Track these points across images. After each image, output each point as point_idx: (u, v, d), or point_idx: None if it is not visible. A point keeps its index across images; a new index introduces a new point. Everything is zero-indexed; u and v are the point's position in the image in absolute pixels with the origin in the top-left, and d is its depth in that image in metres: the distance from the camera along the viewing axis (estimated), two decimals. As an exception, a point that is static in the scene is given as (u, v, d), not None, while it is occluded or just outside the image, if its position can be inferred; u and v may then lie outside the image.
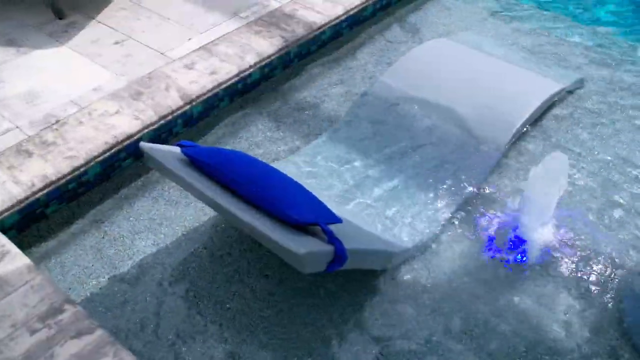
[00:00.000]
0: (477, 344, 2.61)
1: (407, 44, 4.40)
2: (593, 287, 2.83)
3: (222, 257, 2.95)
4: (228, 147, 3.55)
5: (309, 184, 3.06)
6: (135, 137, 3.29)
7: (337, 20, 4.33)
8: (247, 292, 2.81)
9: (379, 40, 4.48)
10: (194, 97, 3.53)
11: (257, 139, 3.60)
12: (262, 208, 2.34)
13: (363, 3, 4.48)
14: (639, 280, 2.85)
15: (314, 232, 2.32)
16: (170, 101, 3.47)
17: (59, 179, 3.03)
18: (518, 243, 2.98)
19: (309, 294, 2.79)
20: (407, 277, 2.85)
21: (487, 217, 3.13)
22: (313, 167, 3.32)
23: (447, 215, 3.11)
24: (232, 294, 2.80)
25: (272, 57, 3.93)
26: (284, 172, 2.64)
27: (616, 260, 2.95)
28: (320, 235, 2.29)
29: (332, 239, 2.23)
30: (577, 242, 3.01)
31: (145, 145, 2.60)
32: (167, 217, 3.14)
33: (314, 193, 2.57)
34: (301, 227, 2.29)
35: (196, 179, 2.44)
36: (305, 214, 2.27)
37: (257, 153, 3.49)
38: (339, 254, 2.21)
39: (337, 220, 2.36)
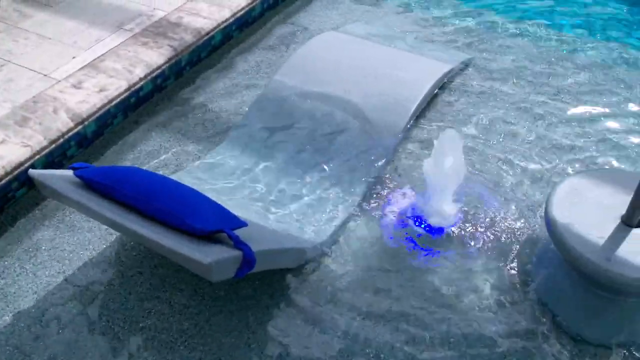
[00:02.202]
0: (395, 325, 2.67)
1: (298, 41, 4.42)
2: (500, 254, 2.96)
3: (132, 277, 2.88)
4: (127, 163, 3.46)
5: (212, 191, 3.04)
6: (26, 165, 3.14)
7: (226, 24, 4.29)
8: (162, 308, 2.75)
9: (270, 39, 4.48)
10: (85, 117, 3.42)
11: (156, 152, 3.52)
12: (164, 221, 2.29)
13: (250, 4, 4.47)
14: (541, 242, 2.99)
15: (219, 239, 2.29)
16: (60, 124, 3.34)
17: (-54, 219, 2.86)
18: (425, 223, 3.07)
19: (225, 302, 2.76)
20: (320, 271, 2.88)
21: (393, 201, 3.20)
22: (215, 173, 3.29)
23: (354, 204, 3.16)
24: (148, 312, 2.73)
25: (163, 67, 3.86)
26: (186, 182, 2.61)
27: (518, 225, 3.09)
28: (227, 242, 2.27)
29: (238, 244, 2.22)
30: (481, 214, 3.13)
31: (34, 172, 2.49)
32: (71, 243, 3.03)
33: (218, 199, 2.55)
34: (206, 236, 2.26)
35: (92, 201, 2.36)
36: (208, 222, 2.25)
37: (157, 166, 3.42)
38: (247, 258, 2.20)
39: (242, 224, 2.35)
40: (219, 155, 3.43)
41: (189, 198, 2.36)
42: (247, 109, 3.76)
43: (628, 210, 2.53)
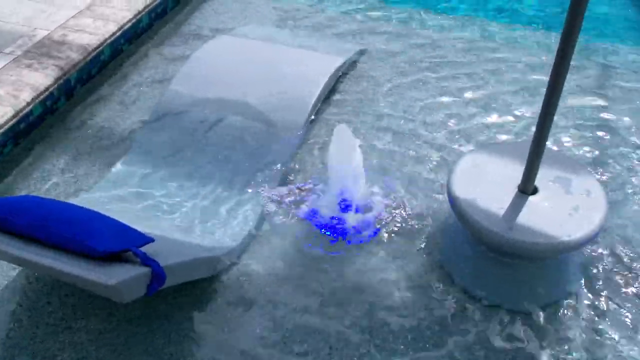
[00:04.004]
0: (317, 318, 2.70)
1: (191, 48, 4.35)
2: (409, 236, 3.05)
3: (42, 309, 2.75)
4: (24, 192, 3.30)
5: (115, 211, 2.94)
6: None
7: (113, 38, 4.17)
8: (77, 337, 2.64)
9: (162, 49, 4.40)
10: (-30, 149, 3.24)
11: (53, 178, 3.38)
12: (66, 248, 2.21)
13: (136, 15, 4.37)
14: (446, 219, 3.08)
15: (127, 258, 2.23)
16: (-56, 159, 3.16)
17: None
18: (336, 217, 3.10)
19: (143, 321, 2.69)
20: (237, 275, 2.86)
21: (301, 198, 3.22)
22: (116, 192, 3.19)
23: (263, 206, 3.15)
24: (62, 344, 2.62)
25: (51, 89, 3.70)
26: (86, 204, 2.52)
27: (424, 206, 3.18)
28: (134, 260, 2.21)
29: (146, 261, 2.17)
30: (390, 203, 3.20)
31: None
32: (-30, 284, 2.87)
33: (121, 218, 2.48)
34: (111, 257, 2.19)
35: (-16, 236, 2.24)
36: (112, 242, 2.18)
37: (56, 191, 3.29)
38: (156, 273, 2.16)
39: (148, 240, 2.29)
40: (119, 173, 3.33)
41: (90, 220, 2.28)
42: (144, 123, 3.67)
43: (523, 179, 2.65)
